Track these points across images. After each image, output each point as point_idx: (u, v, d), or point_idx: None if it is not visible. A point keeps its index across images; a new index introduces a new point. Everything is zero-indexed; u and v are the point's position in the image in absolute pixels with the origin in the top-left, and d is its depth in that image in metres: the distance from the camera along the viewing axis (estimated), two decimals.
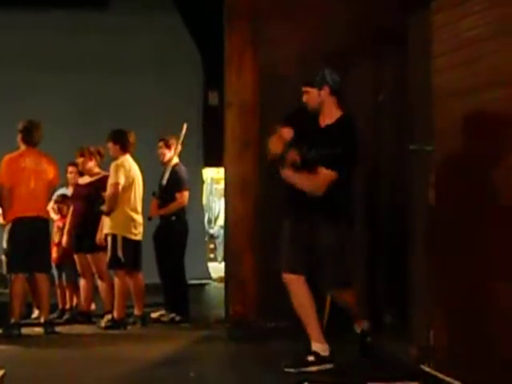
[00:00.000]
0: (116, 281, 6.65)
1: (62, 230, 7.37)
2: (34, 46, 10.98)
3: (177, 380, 3.95)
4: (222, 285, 7.67)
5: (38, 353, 5.33)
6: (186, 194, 7.09)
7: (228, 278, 6.23)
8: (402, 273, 5.06)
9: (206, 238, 14.61)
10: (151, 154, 7.16)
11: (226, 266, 6.34)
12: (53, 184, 6.57)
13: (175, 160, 6.95)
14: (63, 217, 7.41)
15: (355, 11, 5.80)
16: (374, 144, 5.62)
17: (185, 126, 6.81)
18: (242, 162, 6.35)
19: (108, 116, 9.96)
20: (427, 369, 4.29)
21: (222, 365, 4.95)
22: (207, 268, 12.58)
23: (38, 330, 6.32)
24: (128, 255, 6.60)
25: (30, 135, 6.40)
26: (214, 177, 17.30)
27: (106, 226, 6.64)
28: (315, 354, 4.36)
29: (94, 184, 7.00)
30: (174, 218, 7.00)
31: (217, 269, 12.72)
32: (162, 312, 7.06)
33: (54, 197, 7.42)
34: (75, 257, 7.07)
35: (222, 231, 13.66)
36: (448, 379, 4.02)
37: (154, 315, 7.07)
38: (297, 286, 4.44)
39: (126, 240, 6.59)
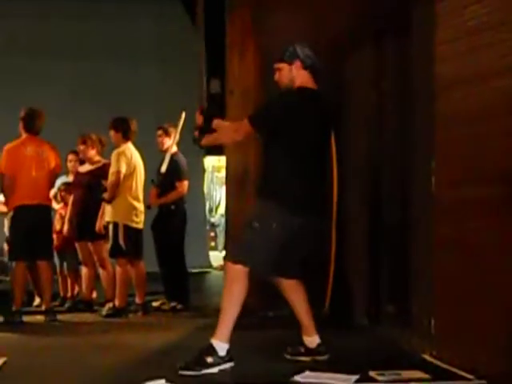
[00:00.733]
0: (117, 269, 6.66)
1: (63, 218, 7.37)
2: (34, 33, 10.97)
3: (178, 368, 3.95)
4: (222, 273, 7.66)
5: (40, 340, 5.33)
6: (186, 183, 7.11)
7: None
8: (404, 262, 5.06)
9: (207, 227, 14.62)
10: (152, 141, 7.14)
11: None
12: (55, 172, 6.55)
13: (174, 149, 6.95)
14: (66, 205, 7.40)
15: None
16: (377, 134, 5.59)
17: (183, 114, 6.79)
18: (243, 150, 6.34)
19: (108, 104, 9.94)
20: (429, 358, 4.30)
21: None
22: (208, 256, 12.60)
23: (40, 317, 6.33)
24: (129, 243, 6.60)
25: (31, 123, 6.38)
26: (215, 165, 17.33)
27: (108, 214, 6.63)
28: (213, 348, 3.99)
29: (94, 172, 6.98)
30: (173, 207, 7.01)
31: (218, 257, 12.75)
32: (164, 300, 7.08)
33: (59, 185, 7.41)
34: (76, 245, 7.07)
35: (222, 220, 13.69)
36: (450, 368, 4.02)
37: (155, 304, 7.09)
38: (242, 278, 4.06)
39: (127, 228, 6.59)
